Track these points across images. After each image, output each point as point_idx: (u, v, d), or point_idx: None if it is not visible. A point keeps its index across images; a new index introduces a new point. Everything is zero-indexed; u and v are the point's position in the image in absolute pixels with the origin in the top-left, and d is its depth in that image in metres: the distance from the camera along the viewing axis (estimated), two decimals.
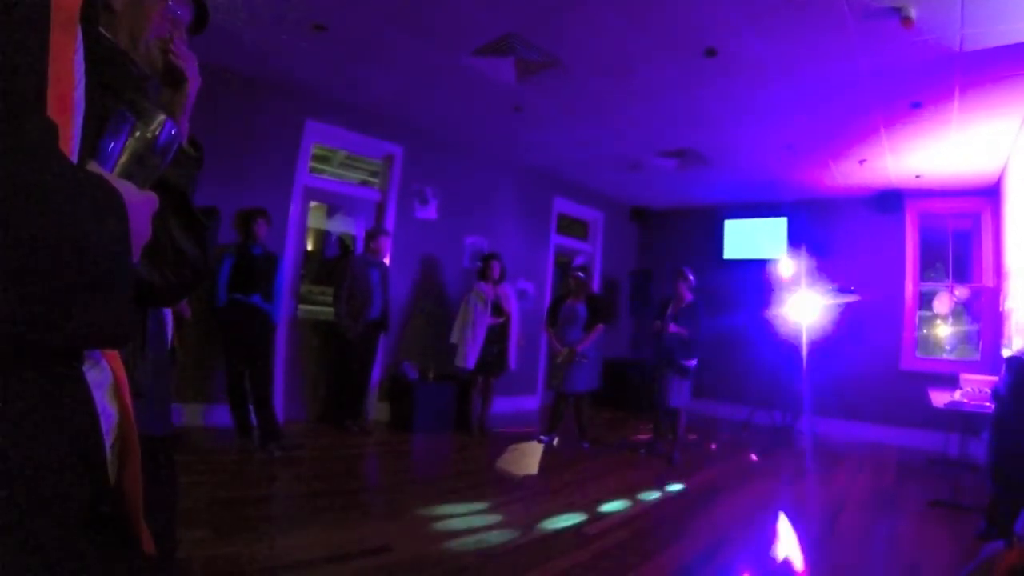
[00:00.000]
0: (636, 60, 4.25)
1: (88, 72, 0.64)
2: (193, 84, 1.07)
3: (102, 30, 0.98)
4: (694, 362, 5.24)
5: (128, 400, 0.71)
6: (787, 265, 7.29)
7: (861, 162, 6.06)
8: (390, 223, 6.01)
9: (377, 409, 5.87)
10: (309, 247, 6.97)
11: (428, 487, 4.14)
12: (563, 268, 8.02)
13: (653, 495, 4.22)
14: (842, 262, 7.33)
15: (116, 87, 0.78)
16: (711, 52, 4.01)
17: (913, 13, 3.25)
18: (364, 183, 6.60)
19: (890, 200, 6.98)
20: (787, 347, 7.03)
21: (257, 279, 4.54)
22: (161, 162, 0.69)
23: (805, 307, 7.04)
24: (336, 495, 3.70)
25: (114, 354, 0.71)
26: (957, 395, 4.66)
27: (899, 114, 4.72)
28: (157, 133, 0.67)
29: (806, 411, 6.62)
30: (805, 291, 7.09)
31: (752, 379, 7.43)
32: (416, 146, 6.24)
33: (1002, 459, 3.63)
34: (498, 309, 5.74)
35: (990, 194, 6.44)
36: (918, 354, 6.92)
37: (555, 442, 5.56)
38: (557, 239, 8.16)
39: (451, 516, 3.46)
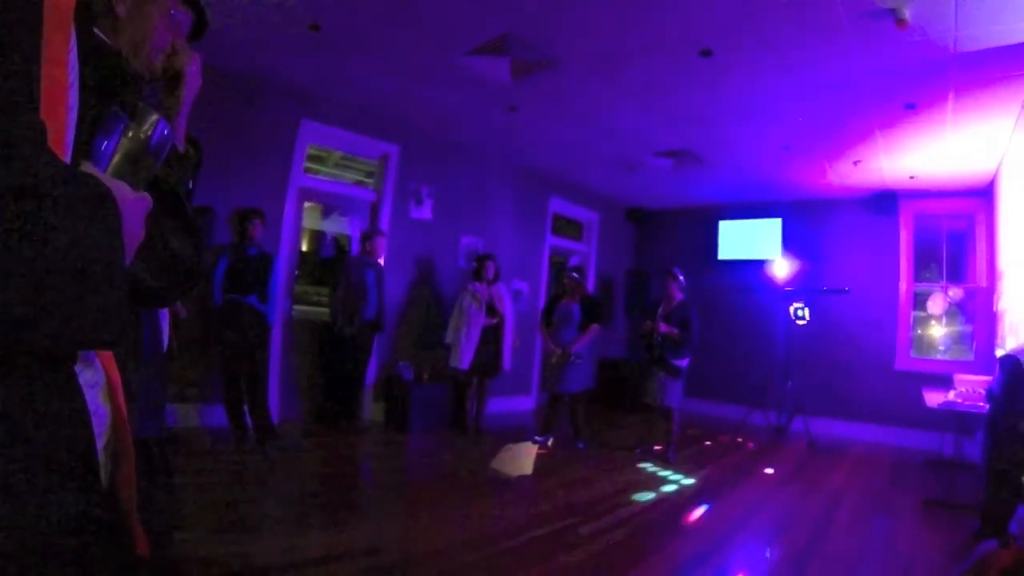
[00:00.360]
0: (631, 60, 4.25)
1: (82, 73, 0.64)
2: (193, 85, 1.07)
3: (97, 31, 0.97)
4: (686, 362, 5.25)
5: (122, 401, 0.70)
6: (782, 265, 7.31)
7: (856, 163, 6.08)
8: (385, 223, 6.00)
9: (372, 409, 5.85)
10: (304, 247, 6.95)
11: (422, 487, 4.14)
12: (559, 268, 8.02)
13: (648, 496, 4.22)
14: (837, 263, 7.37)
15: (111, 87, 0.77)
16: (706, 53, 4.01)
17: (907, 14, 3.26)
18: (359, 183, 6.59)
19: (884, 201, 7.00)
20: (782, 347, 7.06)
21: (252, 280, 4.52)
22: (154, 162, 0.69)
23: (799, 306, 7.08)
24: (331, 495, 3.69)
25: (108, 355, 0.70)
26: (951, 395, 4.68)
27: (894, 115, 4.74)
28: (150, 133, 0.67)
29: (801, 411, 6.63)
30: (799, 291, 7.14)
31: (747, 379, 7.45)
32: (411, 146, 6.22)
33: (996, 459, 3.65)
34: (492, 310, 5.73)
35: (984, 195, 6.47)
36: (912, 354, 6.95)
37: (550, 443, 5.56)
38: (553, 240, 8.17)
39: (445, 516, 3.46)
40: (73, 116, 0.62)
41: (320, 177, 6.17)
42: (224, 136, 4.84)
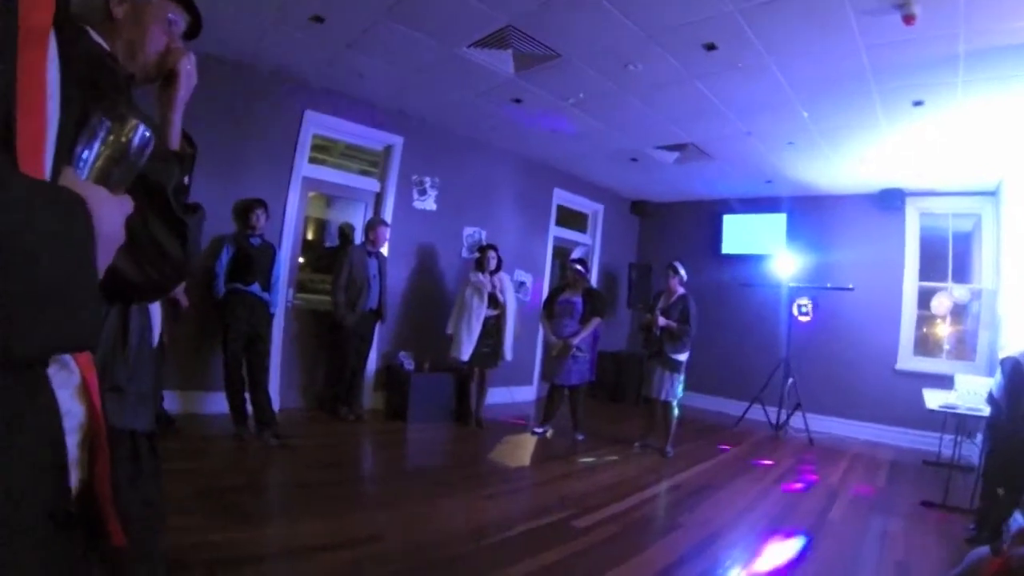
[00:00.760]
0: (636, 53, 4.21)
1: (67, 79, 0.65)
2: (188, 83, 1.09)
3: (93, 33, 0.98)
4: (685, 356, 5.25)
5: (96, 399, 0.72)
6: (786, 261, 7.28)
7: (862, 160, 6.03)
8: (388, 213, 6.01)
9: (373, 398, 5.89)
10: (309, 236, 6.96)
11: (422, 477, 4.17)
12: (562, 259, 8.02)
13: (645, 489, 4.24)
14: (841, 259, 7.32)
15: (100, 90, 0.78)
16: (711, 47, 3.98)
17: (915, 9, 3.22)
18: (364, 173, 6.59)
19: (891, 198, 6.94)
20: (784, 343, 7.04)
21: (255, 269, 4.56)
22: (135, 165, 0.70)
23: (803, 303, 7.06)
24: (330, 484, 3.72)
25: (85, 355, 0.71)
26: (952, 397, 4.67)
27: (901, 112, 4.69)
28: (130, 137, 0.68)
29: (801, 408, 6.62)
30: (803, 287, 7.11)
31: (748, 374, 7.44)
32: (416, 137, 6.22)
33: (995, 462, 3.65)
34: (494, 300, 5.74)
35: (991, 195, 6.41)
36: (915, 354, 6.91)
37: (549, 434, 5.58)
38: (556, 231, 8.16)
39: (444, 506, 3.49)
40: (54, 126, 0.63)
41: (325, 167, 6.17)
42: (229, 126, 4.85)
